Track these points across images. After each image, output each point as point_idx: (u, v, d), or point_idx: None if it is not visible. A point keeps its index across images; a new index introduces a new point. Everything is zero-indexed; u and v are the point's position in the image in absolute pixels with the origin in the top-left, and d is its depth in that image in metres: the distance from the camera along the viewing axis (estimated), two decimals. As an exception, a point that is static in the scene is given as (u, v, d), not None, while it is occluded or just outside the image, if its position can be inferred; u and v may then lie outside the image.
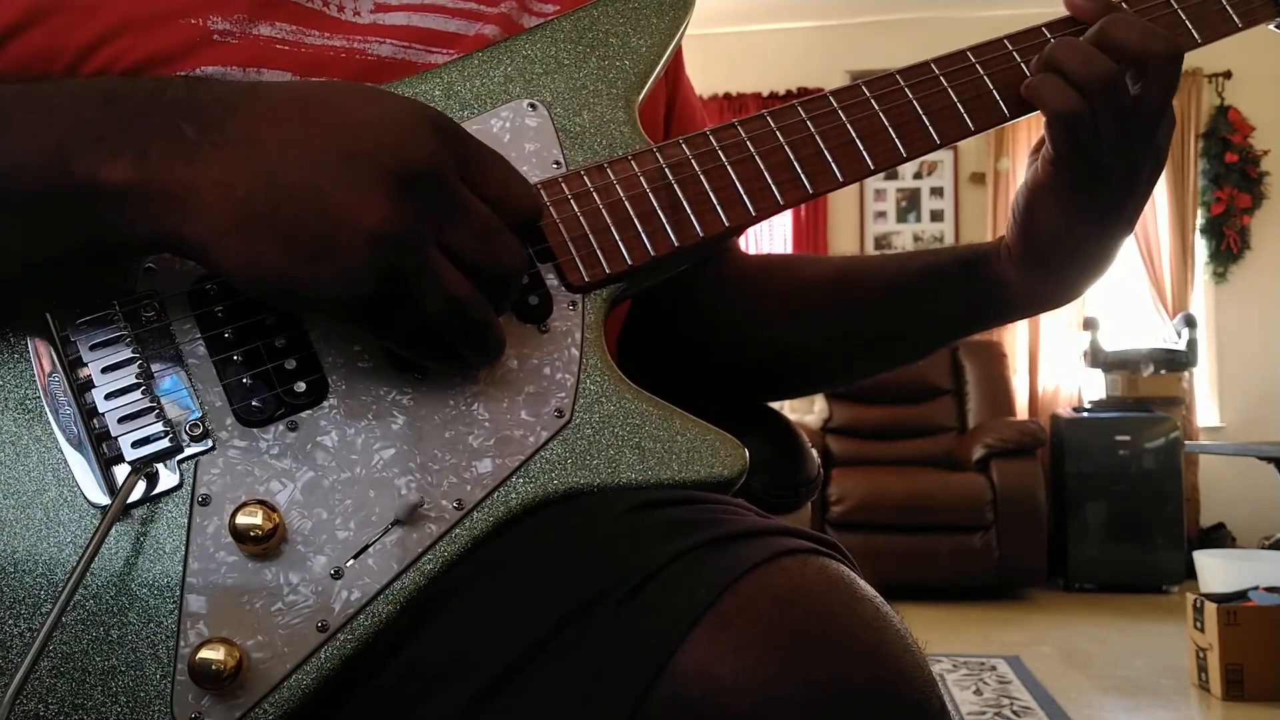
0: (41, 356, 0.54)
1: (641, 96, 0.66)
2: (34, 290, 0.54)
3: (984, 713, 2.96)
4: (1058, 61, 0.65)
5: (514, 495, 0.55)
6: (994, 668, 3.43)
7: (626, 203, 0.62)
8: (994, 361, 5.26)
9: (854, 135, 0.66)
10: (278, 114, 0.51)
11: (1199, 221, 5.51)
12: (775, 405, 0.85)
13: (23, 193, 0.49)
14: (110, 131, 0.49)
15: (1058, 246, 0.70)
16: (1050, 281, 0.72)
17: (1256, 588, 3.17)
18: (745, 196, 0.64)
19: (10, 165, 0.49)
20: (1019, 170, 5.56)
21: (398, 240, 0.49)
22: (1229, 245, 5.47)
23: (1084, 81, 0.64)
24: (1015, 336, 5.53)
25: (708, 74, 5.63)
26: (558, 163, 0.63)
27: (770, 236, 5.72)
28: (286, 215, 0.49)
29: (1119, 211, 0.69)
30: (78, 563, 0.49)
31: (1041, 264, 0.71)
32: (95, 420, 0.53)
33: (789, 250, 5.65)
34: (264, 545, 0.52)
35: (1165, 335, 5.38)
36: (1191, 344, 5.22)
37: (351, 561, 0.53)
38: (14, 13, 0.60)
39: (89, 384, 0.54)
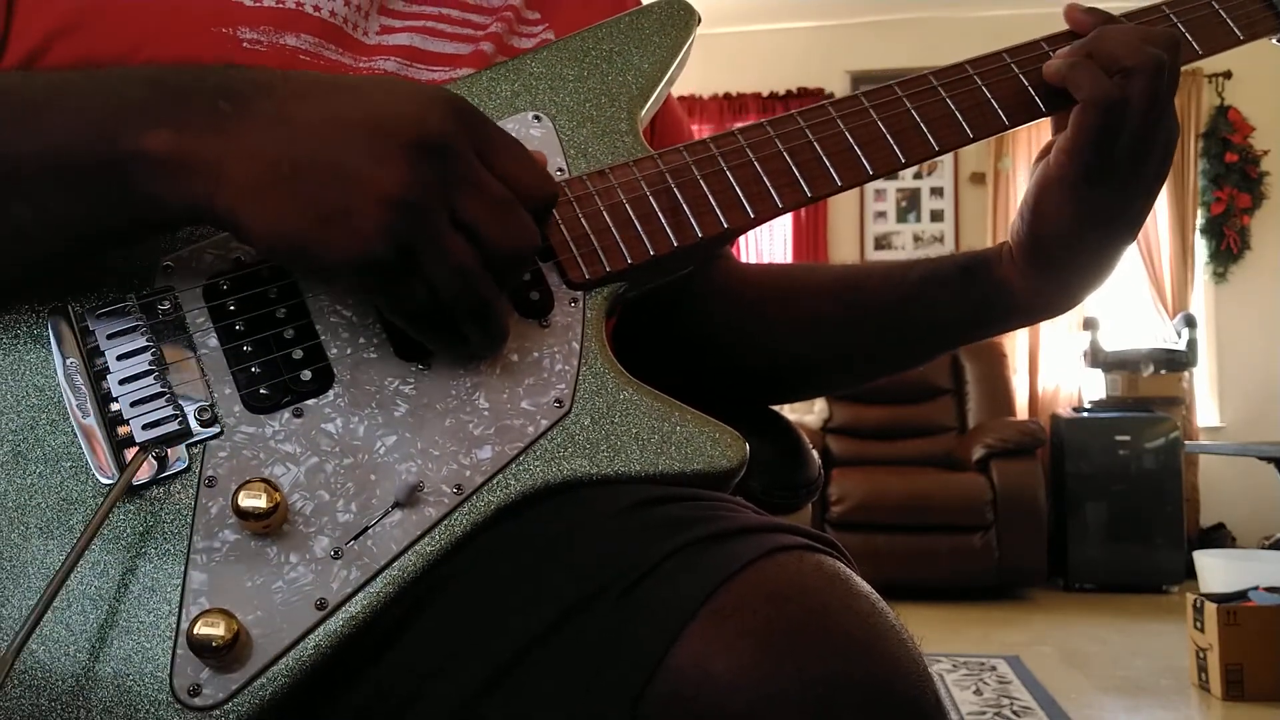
0: (62, 343, 0.56)
1: (644, 110, 0.68)
2: (72, 263, 0.56)
3: (984, 713, 2.96)
4: (1103, 49, 0.67)
5: (513, 482, 0.56)
6: (994, 668, 3.43)
7: (627, 204, 0.63)
8: (994, 361, 5.26)
9: (852, 142, 0.67)
10: (307, 93, 0.53)
11: (1199, 221, 5.51)
12: (775, 406, 0.85)
13: (73, 164, 0.52)
14: (153, 106, 0.52)
15: (1066, 246, 0.71)
16: (1053, 284, 0.73)
17: (1256, 588, 3.18)
18: (744, 199, 0.65)
19: (62, 138, 0.52)
20: (1019, 170, 5.57)
21: (411, 206, 0.51)
22: (1229, 245, 5.47)
23: (1131, 66, 0.66)
24: (1015, 336, 5.53)
25: (708, 74, 5.63)
26: (561, 169, 0.65)
27: (770, 237, 5.72)
28: (306, 179, 0.51)
29: (1126, 210, 0.70)
30: (82, 533, 0.51)
31: (1048, 264, 0.72)
32: (110, 405, 0.55)
33: (789, 251, 5.66)
34: (265, 523, 0.53)
35: (1165, 335, 5.38)
36: (1191, 344, 5.22)
37: (351, 542, 0.54)
38: (54, 19, 0.63)
39: (105, 370, 0.55)
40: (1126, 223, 0.70)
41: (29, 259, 0.55)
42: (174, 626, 0.51)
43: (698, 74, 5.61)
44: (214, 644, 0.50)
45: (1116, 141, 0.67)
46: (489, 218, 0.53)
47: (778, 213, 0.66)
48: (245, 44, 0.64)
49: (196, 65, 0.58)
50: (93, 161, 0.52)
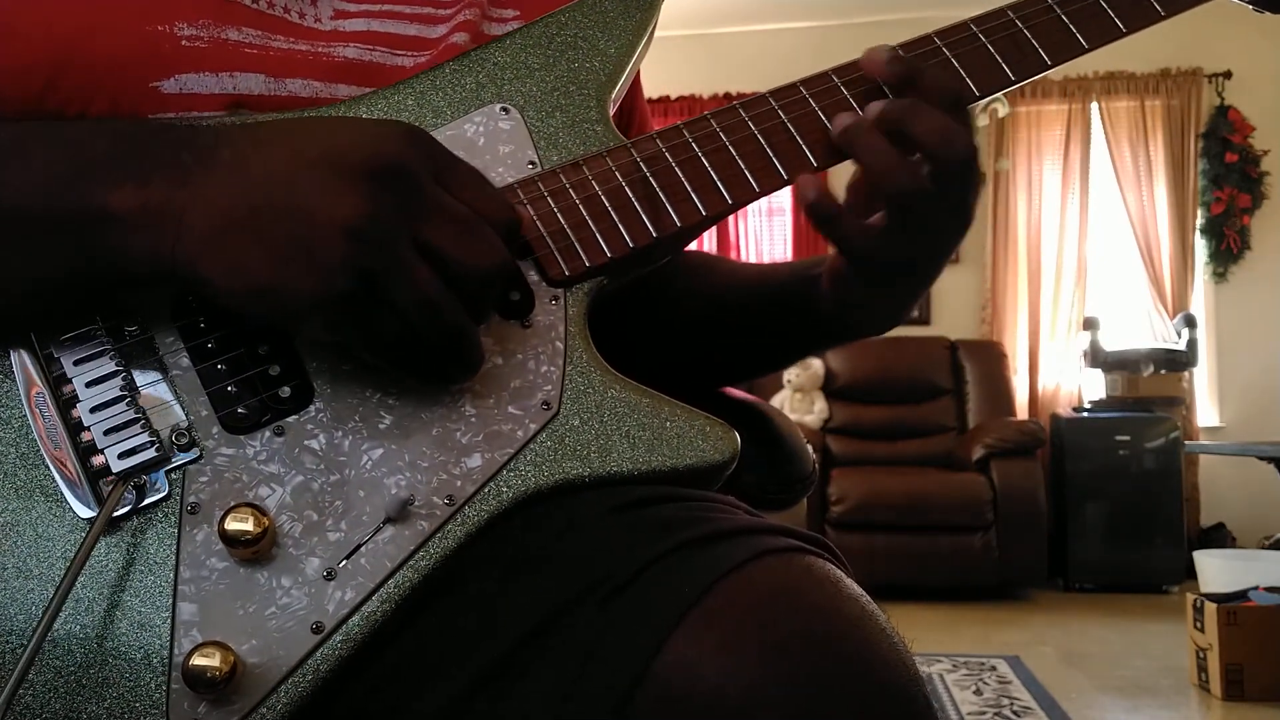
0: (25, 373, 0.54)
1: (613, 95, 0.67)
2: (35, 315, 0.55)
3: (984, 713, 2.95)
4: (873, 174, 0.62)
5: (505, 489, 0.55)
6: (994, 668, 3.42)
7: (603, 196, 0.62)
8: (994, 361, 5.25)
9: (825, 121, 0.66)
10: (264, 139, 0.53)
11: (1199, 221, 5.50)
12: (773, 403, 0.84)
13: (41, 217, 0.51)
14: (117, 161, 0.51)
15: (861, 309, 0.70)
16: (853, 329, 0.72)
17: (1256, 588, 3.17)
18: (720, 184, 0.64)
19: (30, 191, 0.51)
20: (1018, 170, 5.56)
21: (371, 236, 0.50)
22: (1229, 245, 5.46)
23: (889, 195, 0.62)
24: (1015, 336, 5.53)
25: (708, 74, 5.63)
26: (533, 163, 0.63)
27: (770, 238, 5.72)
28: (264, 221, 0.50)
29: (923, 282, 0.68)
30: (64, 574, 0.49)
31: (848, 318, 0.71)
32: (81, 434, 0.53)
33: (789, 251, 5.65)
34: (254, 549, 0.52)
35: (1165, 335, 5.38)
36: (1191, 344, 5.21)
37: (344, 562, 0.53)
38: None
39: (74, 399, 0.54)
40: (923, 286, 0.69)
41: None
42: (166, 661, 0.50)
43: (698, 74, 5.60)
44: (210, 677, 0.49)
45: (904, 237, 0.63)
46: (453, 239, 0.52)
47: (755, 197, 0.65)
48: (184, 41, 0.61)
49: (160, 119, 0.58)
50: (56, 218, 0.51)
